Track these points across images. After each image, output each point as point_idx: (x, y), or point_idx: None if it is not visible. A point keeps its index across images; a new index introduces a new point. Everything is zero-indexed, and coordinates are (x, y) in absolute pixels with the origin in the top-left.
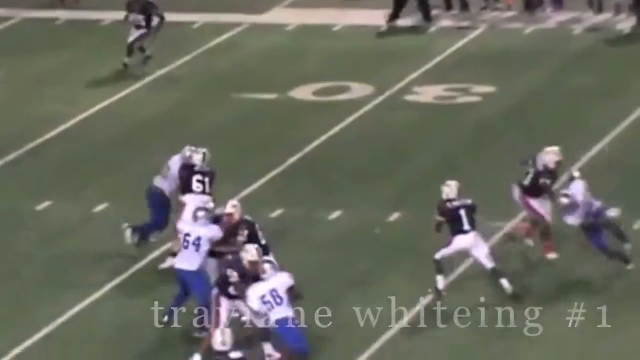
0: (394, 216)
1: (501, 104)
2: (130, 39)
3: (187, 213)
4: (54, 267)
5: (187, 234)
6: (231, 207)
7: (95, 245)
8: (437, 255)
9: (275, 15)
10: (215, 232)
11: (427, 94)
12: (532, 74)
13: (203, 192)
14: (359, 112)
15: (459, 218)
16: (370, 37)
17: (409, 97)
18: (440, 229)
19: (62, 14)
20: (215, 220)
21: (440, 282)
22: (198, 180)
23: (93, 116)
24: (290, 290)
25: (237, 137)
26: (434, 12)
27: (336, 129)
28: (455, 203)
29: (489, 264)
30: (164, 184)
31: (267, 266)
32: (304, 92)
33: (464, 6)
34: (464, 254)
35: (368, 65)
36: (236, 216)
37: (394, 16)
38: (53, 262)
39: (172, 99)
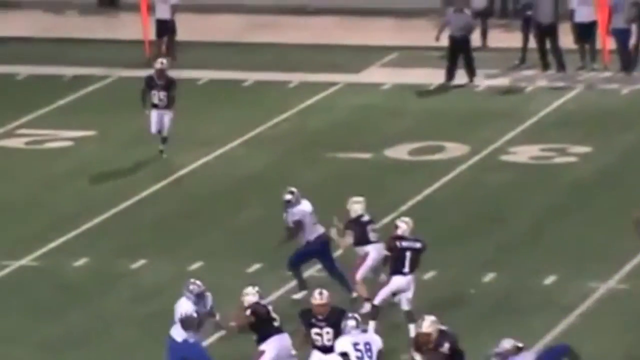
0: (490, 276)
1: (598, 164)
2: (155, 126)
3: (369, 262)
4: (148, 326)
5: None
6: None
7: None
8: (377, 301)
9: (371, 75)
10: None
11: (523, 154)
12: (630, 134)
13: (378, 240)
14: (454, 172)
15: (403, 259)
16: (466, 97)
17: (505, 157)
18: (386, 263)
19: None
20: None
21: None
22: (373, 230)
23: (189, 174)
24: (380, 354)
25: (331, 196)
26: (531, 72)
27: (431, 188)
28: (405, 244)
29: (406, 306)
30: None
31: (352, 323)
32: (399, 152)
33: (561, 66)
34: None
35: (464, 124)
36: None
37: (450, 76)
38: (147, 321)
39: (267, 158)
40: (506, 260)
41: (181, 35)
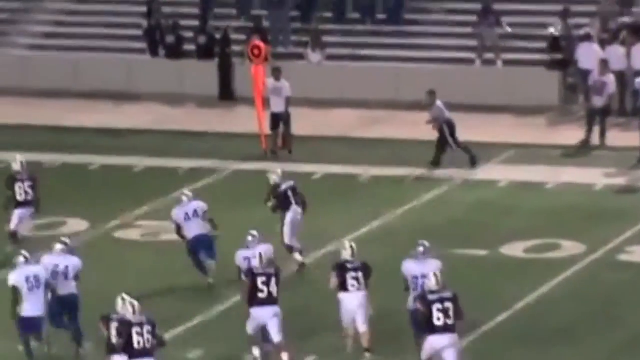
0: None
1: None
2: None
3: None
4: None
5: None
6: None
7: None
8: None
9: (488, 172)
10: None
11: None
12: None
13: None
14: (570, 270)
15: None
16: (584, 195)
17: (622, 257)
18: None
19: (274, 167)
20: None
21: None
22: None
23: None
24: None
25: None
26: None
27: (547, 287)
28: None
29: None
30: None
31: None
32: (514, 249)
33: None
34: None
35: (580, 223)
36: None
37: (436, 162)
38: None
39: (381, 253)
40: None
41: (297, 129)
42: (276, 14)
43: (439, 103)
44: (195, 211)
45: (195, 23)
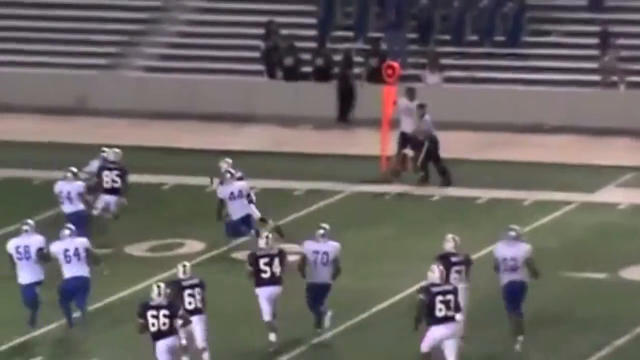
0: None
1: None
2: None
3: None
4: None
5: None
6: None
7: None
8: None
9: (607, 194)
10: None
11: None
12: None
13: None
14: None
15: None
16: None
17: None
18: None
19: (393, 188)
20: None
21: None
22: None
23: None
24: (39, 252)
25: (564, 316)
26: None
27: None
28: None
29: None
30: None
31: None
32: (635, 273)
33: None
34: None
35: None
36: None
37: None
38: None
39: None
40: None
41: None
42: (394, 36)
43: (427, 117)
44: (240, 191)
45: (312, 45)
